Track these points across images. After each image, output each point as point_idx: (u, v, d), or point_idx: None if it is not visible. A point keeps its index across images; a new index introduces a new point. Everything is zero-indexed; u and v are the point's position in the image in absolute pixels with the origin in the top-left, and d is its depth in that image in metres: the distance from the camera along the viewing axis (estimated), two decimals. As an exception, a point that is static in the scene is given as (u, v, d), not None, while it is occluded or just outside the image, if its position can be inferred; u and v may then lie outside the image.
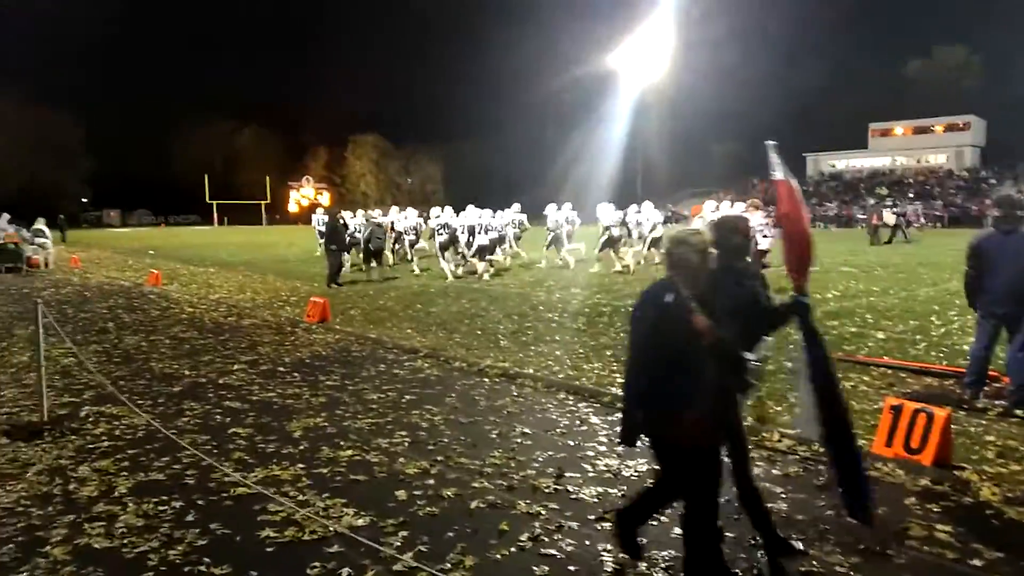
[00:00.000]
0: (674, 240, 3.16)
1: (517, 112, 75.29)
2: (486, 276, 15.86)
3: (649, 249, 17.70)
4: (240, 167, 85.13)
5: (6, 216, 22.62)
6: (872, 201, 40.08)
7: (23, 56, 77.13)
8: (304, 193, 72.11)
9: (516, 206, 20.67)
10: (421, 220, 20.29)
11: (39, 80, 73.20)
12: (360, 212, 19.17)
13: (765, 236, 13.21)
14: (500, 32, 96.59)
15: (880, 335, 8.73)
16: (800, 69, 69.30)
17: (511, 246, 19.99)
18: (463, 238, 16.45)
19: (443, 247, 16.60)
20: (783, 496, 4.22)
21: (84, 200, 77.87)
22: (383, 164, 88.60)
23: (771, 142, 3.88)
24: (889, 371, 7.01)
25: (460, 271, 16.63)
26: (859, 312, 10.39)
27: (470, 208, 17.24)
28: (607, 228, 17.22)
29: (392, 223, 19.73)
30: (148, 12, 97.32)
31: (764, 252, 13.10)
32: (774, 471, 4.60)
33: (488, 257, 16.47)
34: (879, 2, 76.29)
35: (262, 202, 76.34)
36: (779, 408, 5.81)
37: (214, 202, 74.28)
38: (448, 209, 17.63)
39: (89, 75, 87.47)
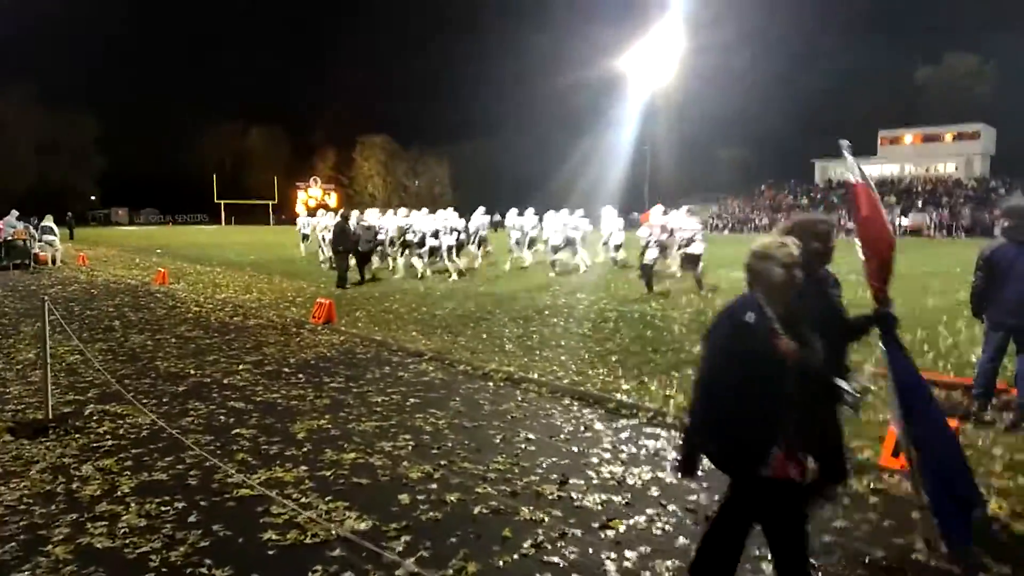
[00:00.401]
0: (756, 253, 2.84)
1: (526, 115, 75.58)
2: (454, 276, 16.70)
3: (616, 251, 19.22)
4: (248, 167, 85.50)
5: (15, 213, 22.72)
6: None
7: (35, 57, 77.73)
8: (311, 194, 72.21)
9: (481, 209, 21.17)
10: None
11: (50, 80, 73.64)
12: (354, 213, 19.43)
13: (696, 240, 14.06)
14: (509, 35, 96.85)
15: (887, 344, 8.67)
16: (809, 74, 69.28)
17: (483, 246, 20.77)
18: (431, 240, 17.04)
19: (406, 245, 17.46)
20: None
21: (92, 198, 78.27)
22: (391, 166, 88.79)
23: (845, 142, 3.69)
24: (896, 381, 6.94)
25: (429, 271, 17.36)
26: (866, 321, 10.32)
27: (443, 211, 18.41)
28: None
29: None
30: (159, 13, 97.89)
31: (697, 256, 14.06)
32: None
33: (455, 257, 17.48)
34: (889, 8, 76.04)
35: (269, 202, 76.62)
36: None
37: (222, 202, 74.57)
38: (415, 212, 18.89)
39: (100, 76, 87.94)
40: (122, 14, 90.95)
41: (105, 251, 28.59)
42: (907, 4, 74.23)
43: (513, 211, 20.98)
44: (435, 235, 17.10)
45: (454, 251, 17.44)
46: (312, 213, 25.54)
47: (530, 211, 20.11)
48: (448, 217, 17.82)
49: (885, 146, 64.31)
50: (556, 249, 18.20)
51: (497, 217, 21.82)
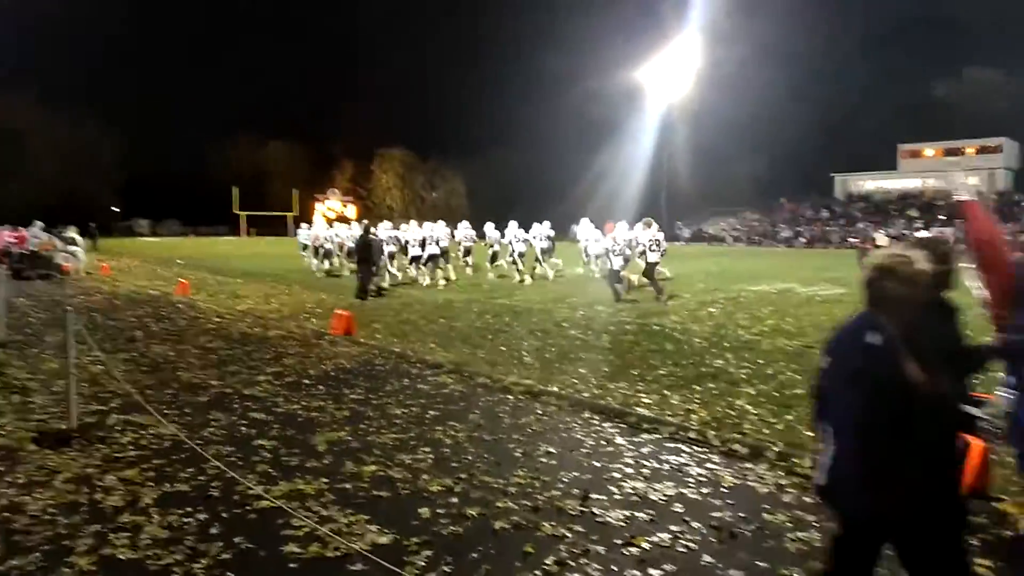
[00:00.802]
0: (878, 268, 2.54)
1: (543, 128, 75.66)
2: (441, 283, 18.06)
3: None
4: (269, 180, 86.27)
5: (39, 224, 23.09)
6: (861, 225, 39.46)
7: (62, 72, 79.21)
8: (330, 206, 72.73)
9: (465, 223, 22.69)
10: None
11: (77, 96, 75.13)
12: (355, 224, 21.60)
13: (653, 251, 14.97)
14: (527, 49, 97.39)
15: (912, 360, 8.55)
16: (828, 88, 68.97)
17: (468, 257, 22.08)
18: (414, 250, 18.31)
19: (391, 256, 18.83)
20: (815, 525, 4.11)
21: (116, 210, 79.35)
22: (409, 178, 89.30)
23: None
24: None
25: (400, 276, 19.01)
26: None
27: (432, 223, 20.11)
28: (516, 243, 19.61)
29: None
30: (184, 33, 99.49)
31: (654, 264, 15.01)
32: (806, 499, 4.49)
33: (443, 265, 19.03)
34: (910, 21, 75.57)
35: (289, 214, 77.19)
36: (810, 433, 5.69)
37: (242, 213, 75.30)
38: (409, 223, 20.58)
39: (125, 92, 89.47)
40: (147, 34, 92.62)
41: (128, 262, 28.92)
42: (927, 17, 73.73)
43: (490, 224, 22.14)
44: (421, 245, 18.36)
45: (439, 260, 18.73)
46: (331, 225, 26.20)
47: (513, 224, 20.44)
48: (434, 228, 19.16)
49: (905, 160, 63.82)
50: (521, 256, 19.55)
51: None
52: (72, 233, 23.16)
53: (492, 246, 21.59)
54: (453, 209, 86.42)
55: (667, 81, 58.21)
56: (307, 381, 7.75)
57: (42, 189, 68.56)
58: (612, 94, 63.71)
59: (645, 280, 15.20)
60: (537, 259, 20.63)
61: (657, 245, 15.02)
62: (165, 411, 6.42)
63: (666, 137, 64.79)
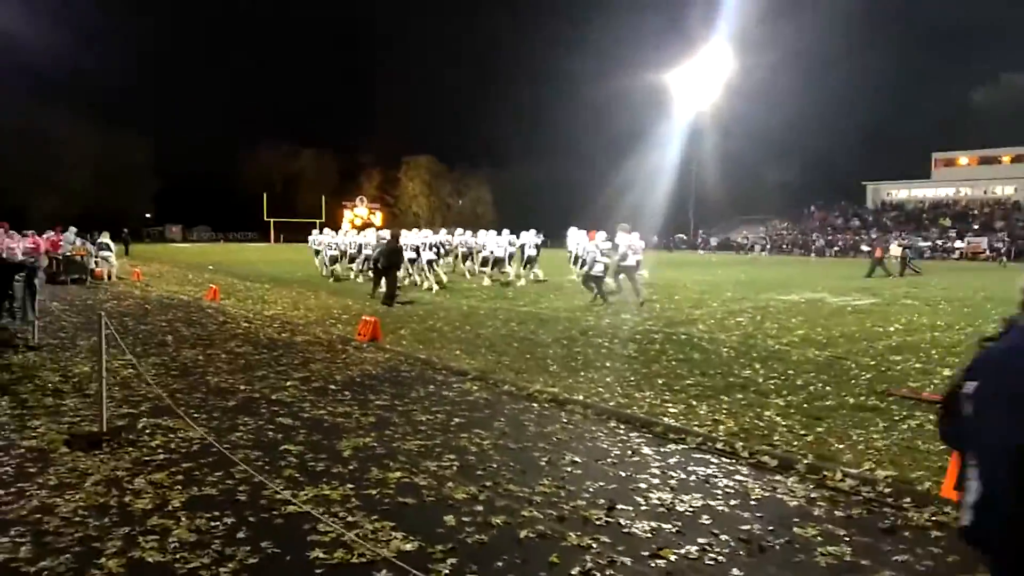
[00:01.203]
0: None
1: (569, 137, 75.70)
2: (434, 287, 18.77)
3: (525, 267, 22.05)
4: (298, 187, 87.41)
5: (73, 229, 23.57)
6: (875, 235, 38.40)
7: (97, 81, 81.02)
8: (357, 213, 73.42)
9: (443, 231, 25.45)
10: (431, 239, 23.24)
11: (110, 104, 76.95)
12: (350, 231, 24.07)
13: (629, 255, 15.78)
14: (553, 57, 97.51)
15: (946, 372, 8.37)
16: (861, 95, 68.08)
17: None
18: (409, 254, 19.28)
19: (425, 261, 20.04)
20: (846, 539, 4.02)
21: (148, 216, 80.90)
22: (435, 185, 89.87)
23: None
24: (957, 410, 6.69)
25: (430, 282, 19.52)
26: (924, 347, 10.00)
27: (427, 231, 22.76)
28: (490, 250, 21.44)
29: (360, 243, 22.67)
30: (213, 41, 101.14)
31: (631, 267, 15.81)
32: (837, 512, 4.41)
33: (436, 269, 20.33)
34: (945, 27, 74.42)
35: (317, 221, 78.06)
36: (841, 446, 5.59)
37: (271, 220, 76.28)
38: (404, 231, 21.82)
39: (157, 100, 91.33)
40: (179, 42, 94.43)
41: (159, 267, 29.39)
42: (963, 24, 72.54)
43: (465, 232, 24.67)
44: (416, 250, 19.67)
45: (434, 264, 20.12)
46: (359, 231, 26.93)
47: (491, 232, 22.73)
48: (427, 234, 21.37)
49: (939, 168, 62.82)
50: (485, 262, 21.48)
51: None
52: (105, 239, 23.59)
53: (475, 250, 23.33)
54: (479, 217, 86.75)
55: (695, 89, 57.97)
56: (333, 387, 7.79)
57: (76, 196, 70.27)
58: (639, 102, 63.60)
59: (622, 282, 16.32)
60: (526, 264, 22.36)
61: (633, 251, 15.85)
62: (194, 415, 6.49)
63: (694, 145, 64.52)
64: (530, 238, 22.13)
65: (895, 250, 28.61)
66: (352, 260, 22.85)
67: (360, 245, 22.37)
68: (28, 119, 66.73)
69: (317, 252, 25.66)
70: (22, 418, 6.40)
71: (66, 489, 4.66)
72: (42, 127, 68.41)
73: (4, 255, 18.11)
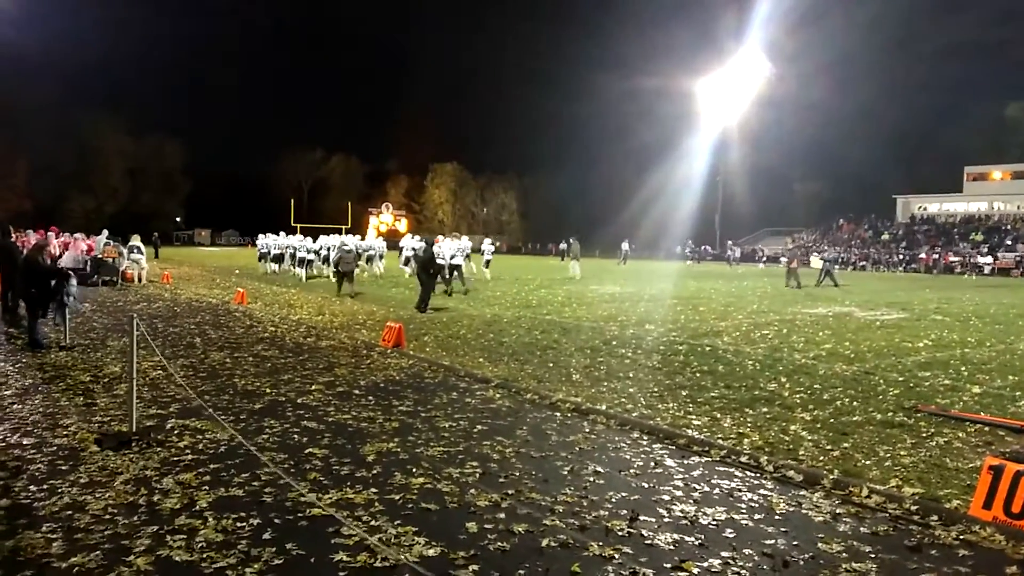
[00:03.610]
0: None
1: (596, 147, 75.66)
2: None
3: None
4: (325, 193, 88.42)
5: (105, 232, 24.05)
6: (791, 246, 37.64)
7: (133, 89, 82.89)
8: (383, 219, 73.98)
9: (418, 237, 28.76)
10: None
11: (141, 111, 78.64)
12: (335, 237, 27.51)
13: (457, 255, 21.41)
14: (581, 68, 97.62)
15: (976, 389, 8.23)
16: (893, 107, 67.12)
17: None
18: (404, 255, 24.38)
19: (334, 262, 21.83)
20: (872, 556, 3.97)
21: (178, 220, 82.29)
22: (460, 193, 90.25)
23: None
24: (986, 428, 6.57)
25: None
26: (953, 364, 9.83)
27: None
28: (414, 251, 23.85)
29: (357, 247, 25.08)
30: (243, 51, 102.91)
31: (458, 266, 21.46)
32: (862, 529, 4.35)
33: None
34: (980, 39, 73.32)
35: (343, 227, 78.75)
36: (868, 461, 5.52)
37: (298, 225, 76.95)
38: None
39: (187, 107, 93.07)
40: (209, 51, 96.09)
41: (188, 270, 29.83)
42: (998, 37, 71.42)
43: (416, 238, 28.18)
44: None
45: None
46: (386, 237, 29.66)
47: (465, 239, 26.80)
48: (406, 241, 27.65)
49: (971, 182, 61.70)
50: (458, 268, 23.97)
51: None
52: (136, 241, 24.00)
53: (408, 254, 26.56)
54: (504, 224, 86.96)
55: (724, 100, 57.67)
56: (357, 391, 7.86)
57: (110, 198, 71.78)
58: (667, 113, 63.37)
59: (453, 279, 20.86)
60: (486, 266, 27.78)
61: (460, 252, 22.10)
62: (221, 417, 6.57)
63: (722, 157, 64.13)
64: (488, 246, 29.43)
65: (816, 262, 29.37)
66: (324, 262, 25.82)
67: (355, 248, 24.60)
68: (65, 122, 68.33)
69: (262, 258, 29.59)
70: (54, 417, 6.54)
71: (96, 487, 4.75)
72: (79, 130, 70.02)
73: (61, 260, 18.59)
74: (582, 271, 30.05)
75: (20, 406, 6.93)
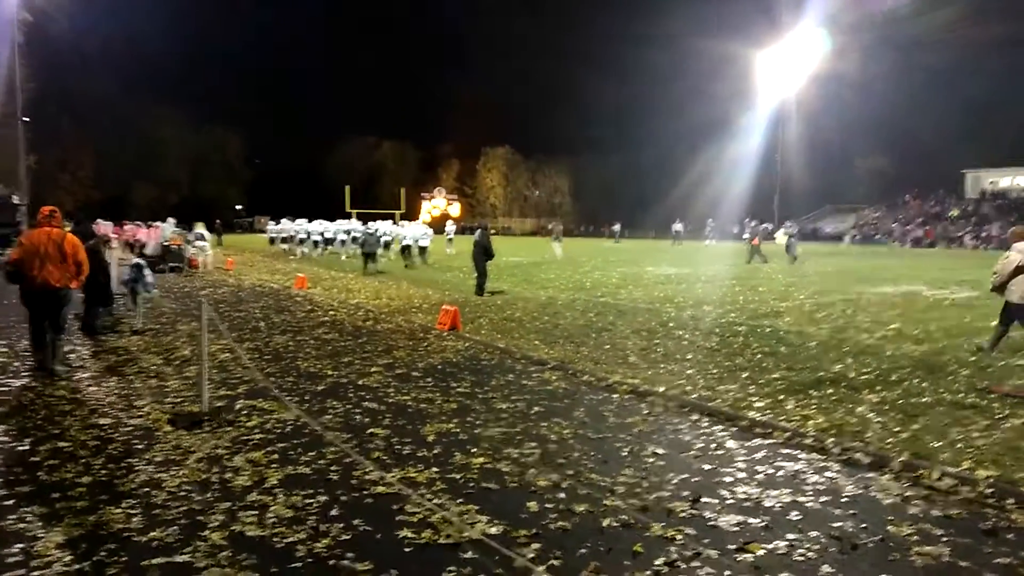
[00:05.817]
0: None
1: (648, 128, 74.40)
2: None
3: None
4: (379, 179, 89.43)
5: (172, 220, 24.85)
6: (753, 223, 35.88)
7: (197, 81, 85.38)
8: (435, 204, 74.51)
9: (417, 222, 35.20)
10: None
11: (203, 103, 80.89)
12: (356, 221, 33.05)
13: (421, 238, 25.53)
14: (633, 48, 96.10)
15: (1056, 370, 7.87)
16: (962, 80, 63.89)
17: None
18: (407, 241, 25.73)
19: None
20: (944, 540, 3.86)
21: (239, 207, 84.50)
22: (512, 176, 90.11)
23: None
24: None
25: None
26: (1030, 344, 9.41)
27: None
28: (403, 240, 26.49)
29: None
30: (299, 43, 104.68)
31: (424, 248, 25.49)
32: (934, 512, 4.23)
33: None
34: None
35: (396, 212, 79.74)
36: (938, 444, 5.34)
37: (353, 211, 78.23)
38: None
39: (248, 98, 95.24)
40: (266, 44, 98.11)
41: (250, 256, 30.60)
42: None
43: (394, 224, 32.92)
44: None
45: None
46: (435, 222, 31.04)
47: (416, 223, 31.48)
48: (406, 225, 30.46)
49: (1047, 154, 58.57)
50: (406, 249, 25.63)
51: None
52: (200, 229, 24.74)
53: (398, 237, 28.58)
54: (556, 207, 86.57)
55: (781, 75, 56.04)
56: (416, 373, 7.97)
57: (173, 187, 74.22)
58: (722, 91, 61.84)
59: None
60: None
61: (426, 236, 25.78)
62: (287, 397, 6.77)
63: (779, 134, 62.40)
64: (451, 228, 35.16)
65: (781, 238, 28.74)
66: (330, 243, 31.02)
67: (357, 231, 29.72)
68: (128, 115, 70.67)
69: (272, 240, 34.90)
70: (128, 398, 6.83)
71: (171, 465, 4.95)
72: (142, 122, 72.37)
73: (136, 247, 19.44)
74: (626, 247, 31.36)
75: (97, 388, 7.25)
